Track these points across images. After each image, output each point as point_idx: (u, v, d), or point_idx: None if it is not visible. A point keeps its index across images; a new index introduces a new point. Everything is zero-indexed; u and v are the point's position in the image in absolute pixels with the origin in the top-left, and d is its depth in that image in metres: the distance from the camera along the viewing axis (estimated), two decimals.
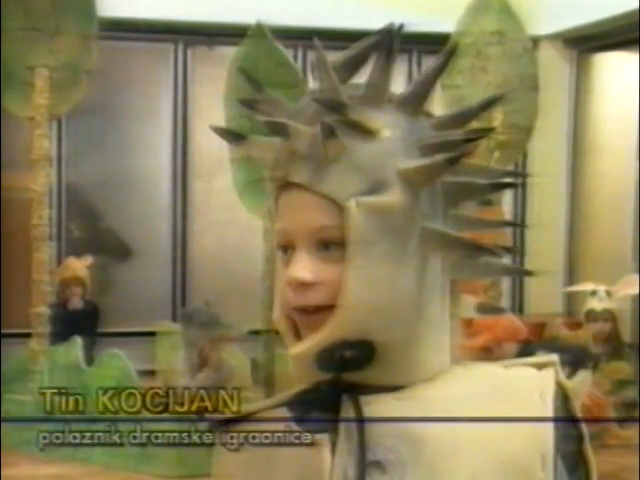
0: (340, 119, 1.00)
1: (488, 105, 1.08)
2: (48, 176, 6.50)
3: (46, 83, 6.26)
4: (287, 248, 1.04)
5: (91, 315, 7.09)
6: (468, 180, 1.06)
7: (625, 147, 7.93)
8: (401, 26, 1.04)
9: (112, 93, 8.12)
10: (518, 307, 8.26)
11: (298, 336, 1.04)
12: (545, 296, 7.34)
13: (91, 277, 7.24)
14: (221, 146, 7.13)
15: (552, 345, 6.05)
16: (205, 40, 8.18)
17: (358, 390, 1.03)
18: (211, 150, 8.04)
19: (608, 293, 5.87)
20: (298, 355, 1.02)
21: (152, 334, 6.44)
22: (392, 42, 1.03)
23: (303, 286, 1.01)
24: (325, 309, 1.01)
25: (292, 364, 1.03)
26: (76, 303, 7.01)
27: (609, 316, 5.85)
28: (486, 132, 1.07)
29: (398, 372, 1.03)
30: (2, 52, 6.18)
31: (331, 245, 1.01)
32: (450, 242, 1.04)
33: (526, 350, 5.32)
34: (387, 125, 1.02)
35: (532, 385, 1.04)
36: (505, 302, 7.52)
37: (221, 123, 6.94)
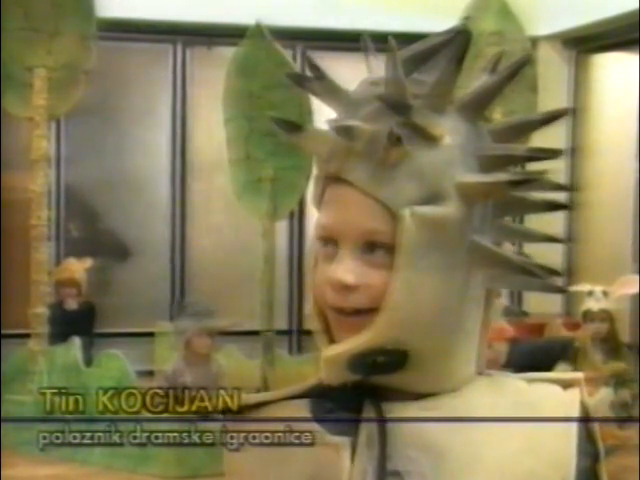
0: (405, 123, 0.96)
1: (552, 119, 1.06)
2: (47, 176, 6.51)
3: (45, 84, 6.26)
4: (328, 242, 1.01)
5: (87, 315, 7.08)
6: (524, 196, 1.03)
7: (625, 147, 7.93)
8: (464, 25, 1.01)
9: (111, 94, 8.11)
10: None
11: (329, 335, 1.02)
12: (545, 296, 7.32)
13: (90, 278, 7.23)
14: (220, 147, 7.13)
15: (538, 342, 6.09)
16: (204, 41, 8.18)
17: (380, 394, 1.02)
18: (210, 151, 8.04)
19: (605, 293, 5.86)
20: (332, 357, 1.00)
21: (151, 334, 6.44)
22: (466, 43, 1.00)
23: (345, 288, 0.98)
24: (363, 312, 0.99)
25: (323, 364, 1.01)
26: (70, 304, 6.99)
27: (606, 316, 5.84)
28: (552, 154, 1.02)
29: (426, 380, 1.01)
30: (1, 53, 6.19)
31: (377, 248, 0.98)
32: (497, 259, 1.01)
33: (515, 348, 5.36)
34: (449, 131, 0.99)
35: (558, 407, 1.03)
36: (504, 302, 7.52)
37: (220, 124, 6.94)
